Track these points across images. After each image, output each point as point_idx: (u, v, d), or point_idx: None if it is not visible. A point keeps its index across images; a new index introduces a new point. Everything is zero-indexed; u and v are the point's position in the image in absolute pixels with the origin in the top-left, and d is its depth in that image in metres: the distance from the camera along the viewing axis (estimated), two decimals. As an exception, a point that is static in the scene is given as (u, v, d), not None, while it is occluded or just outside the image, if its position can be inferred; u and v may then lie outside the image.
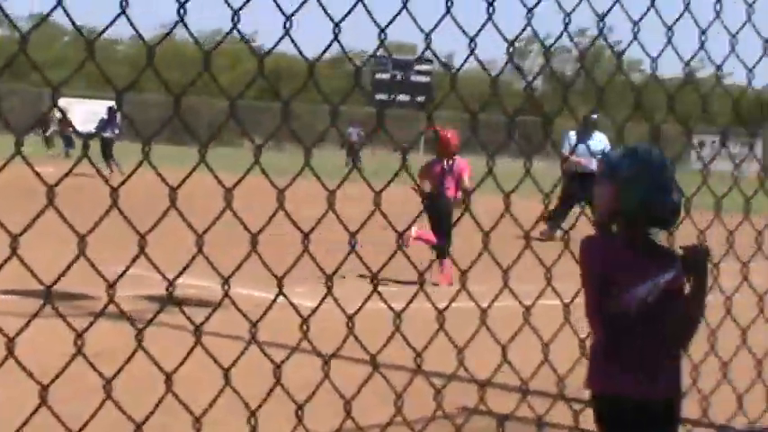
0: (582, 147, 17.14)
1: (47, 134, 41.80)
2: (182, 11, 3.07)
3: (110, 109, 30.79)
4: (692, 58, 4.60)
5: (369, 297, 3.76)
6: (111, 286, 3.12)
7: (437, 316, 3.95)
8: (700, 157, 5.05)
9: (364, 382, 3.90)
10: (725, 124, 5.94)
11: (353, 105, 45.92)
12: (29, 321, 3.03)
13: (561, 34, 4.25)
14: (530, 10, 4.05)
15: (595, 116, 18.16)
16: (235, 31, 3.28)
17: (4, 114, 3.41)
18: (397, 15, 3.63)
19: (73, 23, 2.98)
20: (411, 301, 3.91)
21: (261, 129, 43.04)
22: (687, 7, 4.57)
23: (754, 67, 4.87)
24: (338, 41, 3.52)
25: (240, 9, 3.21)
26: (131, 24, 3.02)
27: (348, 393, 3.81)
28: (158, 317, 3.38)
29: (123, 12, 2.91)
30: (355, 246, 3.64)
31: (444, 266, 12.21)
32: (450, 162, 12.48)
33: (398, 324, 3.84)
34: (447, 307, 3.99)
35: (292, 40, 3.39)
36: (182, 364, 3.38)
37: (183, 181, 3.21)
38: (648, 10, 4.42)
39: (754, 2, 4.81)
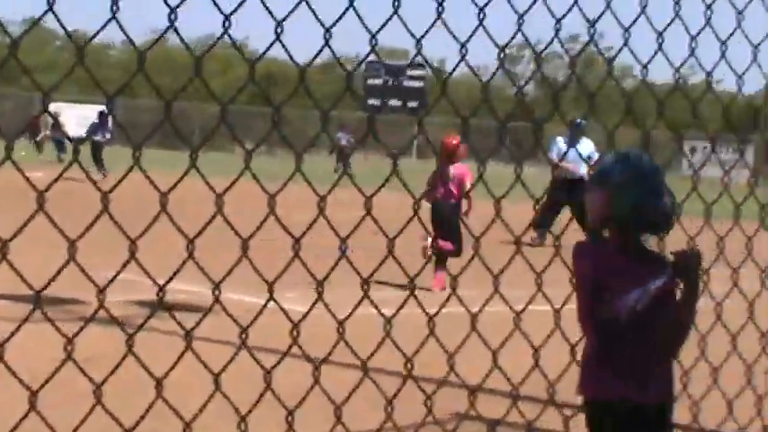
0: (570, 152, 17.15)
1: (36, 139, 41.75)
2: (172, 16, 3.07)
3: (101, 113, 30.91)
4: (683, 64, 4.62)
5: (359, 302, 3.76)
6: (102, 291, 3.12)
7: (428, 321, 3.95)
8: (691, 164, 5.06)
9: (355, 387, 3.90)
10: (715, 130, 5.96)
11: (345, 110, 45.96)
12: (19, 326, 3.02)
13: (552, 40, 4.26)
14: (521, 16, 4.06)
15: (582, 121, 18.17)
16: (226, 37, 3.28)
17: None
18: (387, 21, 3.64)
19: (63, 28, 2.98)
20: (402, 307, 3.91)
21: (253, 133, 42.99)
22: (677, 14, 4.58)
23: (743, 73, 4.88)
24: (329, 47, 3.53)
25: (231, 14, 3.21)
26: (122, 29, 3.02)
27: (339, 399, 3.81)
28: (149, 322, 3.38)
29: (114, 17, 2.91)
30: (346, 251, 3.65)
31: (439, 277, 12.23)
32: (453, 169, 12.48)
33: (389, 329, 3.84)
34: (438, 312, 3.99)
35: (283, 46, 3.39)
36: (172, 369, 3.37)
37: (174, 186, 3.21)
38: (639, 16, 4.43)
39: (743, 9, 4.83)
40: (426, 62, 4.12)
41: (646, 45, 4.47)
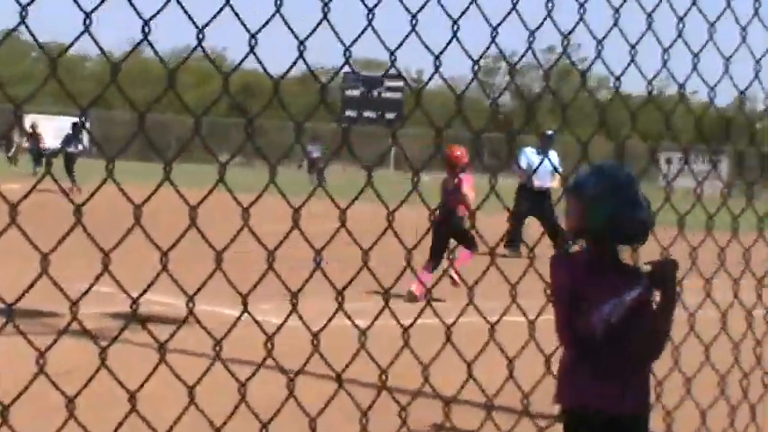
0: (536, 164, 17.19)
1: (9, 154, 41.63)
2: (146, 28, 3.07)
3: (74, 125, 30.92)
4: (655, 76, 4.65)
5: (334, 314, 3.77)
6: (75, 304, 3.11)
7: (402, 333, 3.96)
8: (664, 175, 5.09)
9: (330, 399, 3.90)
10: (688, 142, 6.00)
11: (321, 122, 45.95)
12: (-9, 340, 3.01)
13: (525, 52, 4.28)
14: (494, 28, 4.08)
15: (551, 132, 18.26)
16: (204, 48, 3.29)
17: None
18: (361, 34, 3.65)
19: (35, 40, 2.97)
20: (376, 318, 3.91)
21: (230, 145, 42.98)
22: (650, 26, 4.61)
23: (715, 85, 4.92)
24: (303, 59, 3.53)
25: (205, 27, 3.21)
26: (95, 42, 3.02)
27: (313, 411, 3.81)
28: (123, 334, 3.37)
29: (87, 29, 2.91)
30: (320, 262, 3.65)
31: (421, 278, 12.25)
32: (456, 179, 12.80)
33: (364, 341, 3.84)
34: (412, 324, 4.00)
35: (257, 58, 3.40)
36: (146, 381, 3.36)
37: (148, 198, 3.21)
38: (611, 29, 4.47)
39: (715, 22, 4.87)
40: (400, 74, 4.13)
41: (622, 56, 4.51)
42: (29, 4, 2.85)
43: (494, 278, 4.25)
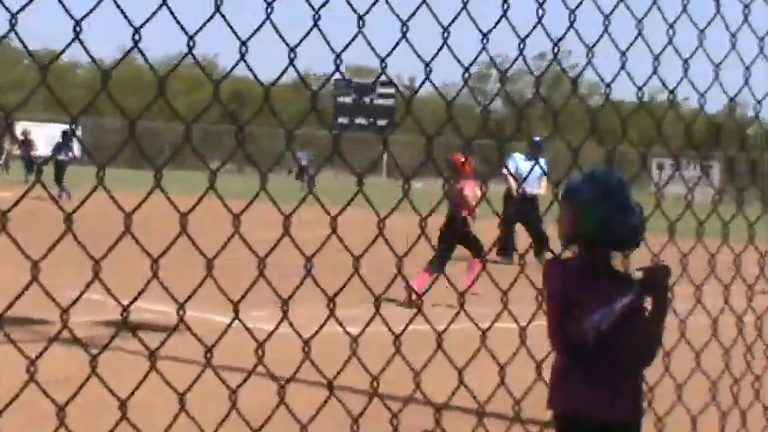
0: (525, 171, 17.17)
1: (0, 162, 41.59)
2: (137, 36, 3.07)
3: (64, 132, 30.87)
4: (646, 83, 4.66)
5: (325, 321, 3.77)
6: (65, 312, 3.10)
7: (394, 340, 3.96)
8: (655, 182, 5.10)
9: (321, 406, 3.90)
10: (678, 148, 6.01)
11: (312, 129, 45.95)
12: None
13: (516, 60, 4.30)
14: (485, 35, 4.09)
15: (538, 138, 18.23)
16: (194, 56, 3.29)
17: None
18: (351, 42, 3.66)
19: (25, 47, 2.97)
20: (367, 325, 3.91)
21: (223, 152, 43.00)
22: (640, 33, 4.63)
23: (705, 91, 4.94)
24: (294, 66, 3.54)
25: (195, 34, 3.21)
26: (85, 49, 3.02)
27: (304, 418, 3.81)
28: (114, 342, 3.37)
29: (77, 37, 2.91)
30: (311, 269, 3.65)
31: (421, 277, 12.28)
32: (462, 185, 13.08)
33: (355, 348, 3.84)
34: (404, 331, 4.00)
35: (247, 65, 3.40)
36: (136, 389, 3.36)
37: (138, 206, 3.21)
38: (602, 35, 4.48)
39: (705, 28, 4.88)
40: (391, 81, 4.14)
41: (614, 63, 4.52)
42: (19, 12, 2.85)
43: (485, 284, 4.25)
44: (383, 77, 3.80)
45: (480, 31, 4.06)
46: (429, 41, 3.81)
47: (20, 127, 42.55)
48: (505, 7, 4.13)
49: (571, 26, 4.37)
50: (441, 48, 3.96)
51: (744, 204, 5.35)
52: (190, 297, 3.41)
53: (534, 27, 4.25)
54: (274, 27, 3.45)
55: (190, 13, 3.57)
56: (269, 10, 3.39)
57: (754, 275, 5.38)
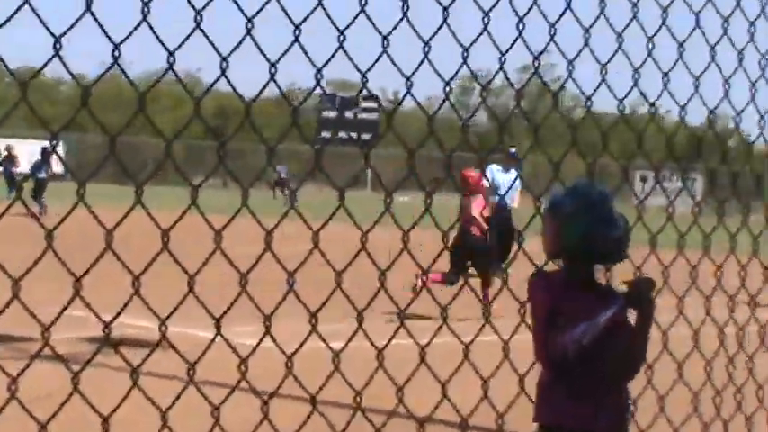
0: (500, 183, 17.12)
1: None
2: (116, 52, 3.07)
3: (44, 149, 30.54)
4: (626, 95, 4.68)
5: (308, 336, 3.76)
6: (47, 329, 3.09)
7: (377, 354, 3.96)
8: (636, 194, 5.12)
9: (304, 421, 3.90)
10: (660, 160, 6.04)
11: (297, 144, 45.96)
12: (-38, 365, 2.99)
13: (497, 73, 4.31)
14: (465, 49, 4.10)
15: (515, 150, 18.12)
16: (175, 72, 3.29)
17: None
18: (331, 57, 3.66)
19: (4, 64, 2.97)
20: (350, 340, 3.91)
21: (206, 167, 42.93)
22: (620, 46, 4.65)
23: (686, 104, 4.96)
24: (275, 81, 3.54)
25: (175, 50, 3.22)
26: (65, 66, 3.02)
27: (288, 433, 3.80)
28: (96, 358, 3.35)
29: (57, 53, 2.91)
30: (294, 284, 3.65)
31: (430, 279, 12.33)
32: (471, 201, 13.36)
33: (338, 363, 3.84)
34: (386, 345, 4.00)
35: (228, 81, 3.40)
36: (119, 406, 3.35)
37: (119, 223, 3.20)
38: (582, 49, 4.50)
39: (684, 41, 4.91)
40: (372, 95, 4.16)
41: (596, 75, 4.54)
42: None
43: (468, 298, 4.26)
44: (364, 92, 3.81)
45: (461, 44, 4.08)
46: (414, 56, 3.82)
47: (2, 143, 42.38)
48: (486, 21, 4.14)
49: (551, 39, 4.39)
50: (421, 62, 3.97)
51: (724, 216, 5.37)
52: (172, 313, 3.41)
53: (515, 41, 4.27)
54: (255, 43, 3.46)
55: (172, 28, 3.57)
56: (249, 26, 3.39)
57: (735, 287, 5.40)
